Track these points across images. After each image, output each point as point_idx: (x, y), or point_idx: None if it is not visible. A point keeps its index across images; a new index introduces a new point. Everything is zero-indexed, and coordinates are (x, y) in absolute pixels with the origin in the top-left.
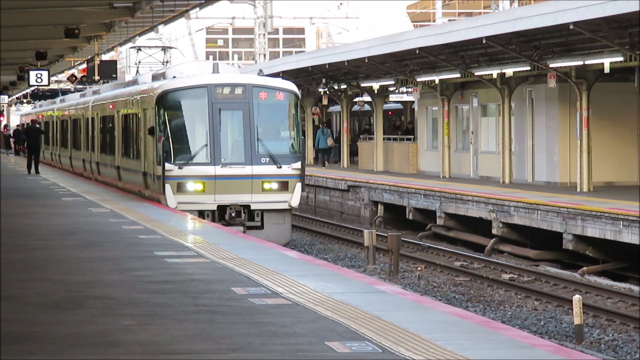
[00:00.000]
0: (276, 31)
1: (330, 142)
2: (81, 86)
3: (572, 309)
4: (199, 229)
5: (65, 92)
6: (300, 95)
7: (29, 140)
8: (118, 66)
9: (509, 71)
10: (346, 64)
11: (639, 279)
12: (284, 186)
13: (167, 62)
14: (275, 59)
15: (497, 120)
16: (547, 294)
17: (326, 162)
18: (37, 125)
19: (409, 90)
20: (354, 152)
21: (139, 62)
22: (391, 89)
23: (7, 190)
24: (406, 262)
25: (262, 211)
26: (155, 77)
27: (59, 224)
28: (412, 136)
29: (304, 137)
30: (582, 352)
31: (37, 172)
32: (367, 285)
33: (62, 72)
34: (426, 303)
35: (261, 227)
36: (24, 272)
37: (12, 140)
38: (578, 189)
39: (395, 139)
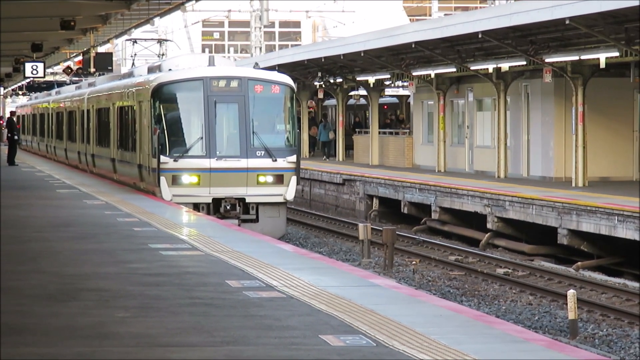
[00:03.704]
0: (272, 24)
1: (332, 135)
2: (77, 78)
3: (566, 304)
4: (194, 222)
5: (60, 84)
6: (296, 89)
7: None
8: (114, 58)
9: (505, 66)
10: (342, 57)
11: (633, 274)
12: (279, 179)
13: (162, 54)
14: (271, 52)
15: (492, 114)
16: (542, 289)
17: (326, 155)
18: (14, 119)
19: (405, 84)
20: (349, 146)
21: (135, 54)
22: (387, 82)
23: (2, 182)
24: (401, 256)
25: (257, 204)
26: (151, 70)
27: (54, 215)
28: (407, 130)
29: (300, 130)
30: (576, 346)
31: (11, 163)
32: (361, 279)
33: (58, 64)
34: (420, 297)
35: (256, 220)
36: (19, 264)
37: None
38: (573, 184)
39: (390, 133)
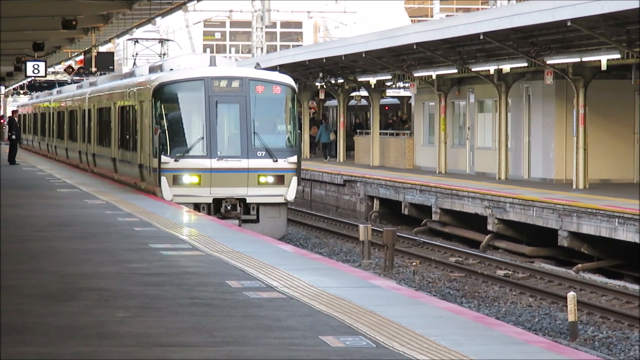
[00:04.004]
0: (273, 25)
1: (332, 136)
2: (78, 78)
3: (566, 306)
4: (195, 222)
5: (62, 83)
6: (297, 89)
7: (11, 131)
8: (115, 58)
9: (506, 67)
10: (343, 58)
11: (633, 276)
12: (280, 180)
13: (164, 54)
14: (273, 53)
15: (493, 116)
16: (542, 291)
17: (328, 156)
18: (15, 119)
19: (406, 85)
20: (350, 147)
21: (136, 54)
22: (388, 83)
23: (3, 181)
24: (401, 257)
25: (258, 205)
26: (152, 70)
27: (55, 215)
28: (407, 131)
29: (301, 131)
30: (576, 349)
31: (12, 162)
32: (361, 280)
33: (59, 63)
34: (421, 298)
35: (257, 220)
36: (19, 263)
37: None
38: (574, 186)
39: (392, 134)
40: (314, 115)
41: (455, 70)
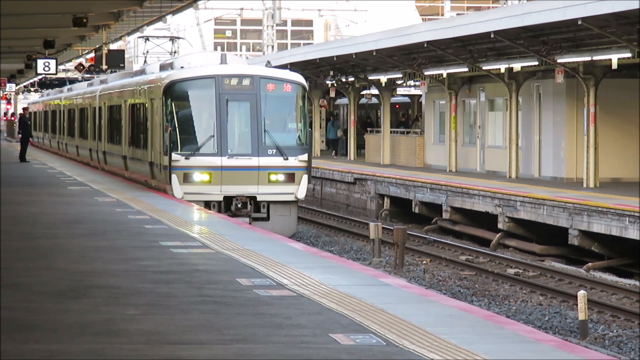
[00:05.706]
0: (284, 23)
1: (339, 133)
2: (89, 75)
3: (576, 305)
4: (205, 220)
5: (72, 81)
6: (307, 87)
7: (21, 129)
8: (126, 56)
9: (517, 66)
10: (354, 56)
11: None
12: (291, 178)
13: (175, 52)
14: (283, 51)
15: (504, 114)
16: (552, 289)
17: (334, 152)
18: (27, 116)
19: (417, 83)
20: (360, 145)
21: (147, 52)
22: (399, 82)
23: (14, 178)
24: (411, 256)
25: (268, 203)
26: (162, 67)
27: (65, 212)
28: (418, 130)
29: (311, 129)
30: (586, 347)
31: (23, 159)
32: (372, 278)
33: (70, 60)
34: (431, 296)
35: (267, 218)
36: (29, 260)
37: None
38: (584, 185)
39: (402, 133)
40: (329, 113)
41: (466, 69)
